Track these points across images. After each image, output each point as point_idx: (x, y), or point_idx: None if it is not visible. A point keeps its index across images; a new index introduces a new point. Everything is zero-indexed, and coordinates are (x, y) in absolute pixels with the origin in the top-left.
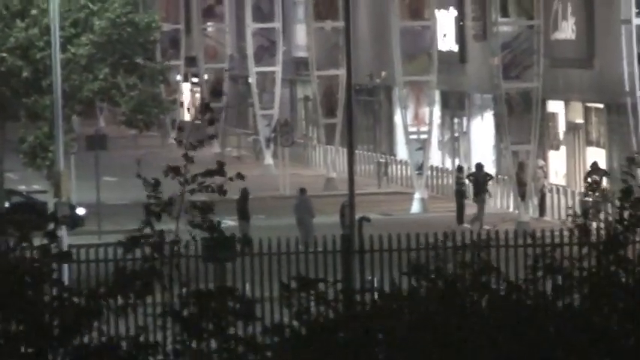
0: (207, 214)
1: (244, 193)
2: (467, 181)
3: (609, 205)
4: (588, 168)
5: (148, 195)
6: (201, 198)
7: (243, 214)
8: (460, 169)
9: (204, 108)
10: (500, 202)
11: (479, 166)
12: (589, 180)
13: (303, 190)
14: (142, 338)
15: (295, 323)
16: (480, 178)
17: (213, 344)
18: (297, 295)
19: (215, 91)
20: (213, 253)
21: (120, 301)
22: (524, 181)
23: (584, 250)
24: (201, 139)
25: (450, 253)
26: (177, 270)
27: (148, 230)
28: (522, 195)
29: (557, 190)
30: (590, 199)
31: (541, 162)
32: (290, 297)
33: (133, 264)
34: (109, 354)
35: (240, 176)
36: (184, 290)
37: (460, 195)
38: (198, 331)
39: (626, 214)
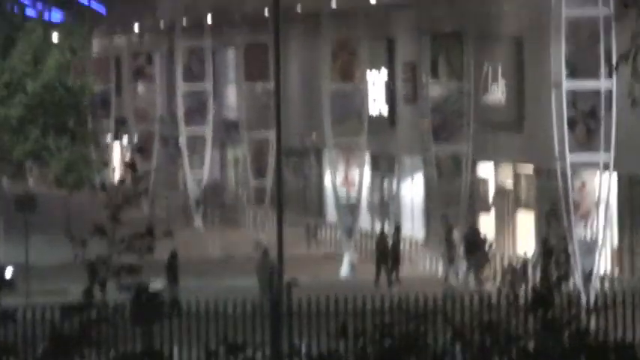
0: (136, 275)
1: (173, 255)
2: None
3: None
4: (518, 232)
5: (75, 256)
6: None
7: (173, 276)
8: (382, 232)
9: (128, 166)
10: (430, 265)
11: (397, 229)
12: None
13: (266, 251)
14: None
15: None
16: (395, 241)
17: None
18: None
19: (144, 152)
20: (141, 316)
21: None
22: (452, 244)
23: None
24: (127, 198)
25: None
26: (107, 334)
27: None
28: (451, 259)
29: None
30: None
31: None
32: None
33: (61, 327)
34: None
35: (168, 234)
36: (112, 354)
37: (382, 257)
38: None
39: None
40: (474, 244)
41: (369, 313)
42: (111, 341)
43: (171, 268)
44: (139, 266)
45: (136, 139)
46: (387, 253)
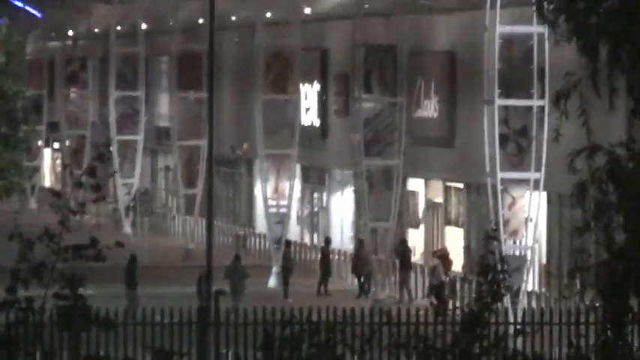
0: (76, 285)
1: (133, 259)
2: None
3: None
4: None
5: (17, 259)
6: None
7: (131, 282)
8: (288, 243)
9: (90, 171)
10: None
11: (326, 241)
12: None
13: (238, 257)
14: None
15: None
16: (325, 253)
17: None
18: None
19: (76, 157)
20: (69, 322)
21: None
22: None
23: (440, 329)
24: (83, 204)
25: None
26: (40, 339)
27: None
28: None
29: (416, 268)
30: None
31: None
32: None
33: None
34: None
35: (119, 244)
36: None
37: (286, 270)
38: None
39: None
40: (404, 256)
41: (294, 325)
42: (37, 344)
43: (130, 273)
44: (82, 277)
45: (67, 145)
46: (292, 266)
